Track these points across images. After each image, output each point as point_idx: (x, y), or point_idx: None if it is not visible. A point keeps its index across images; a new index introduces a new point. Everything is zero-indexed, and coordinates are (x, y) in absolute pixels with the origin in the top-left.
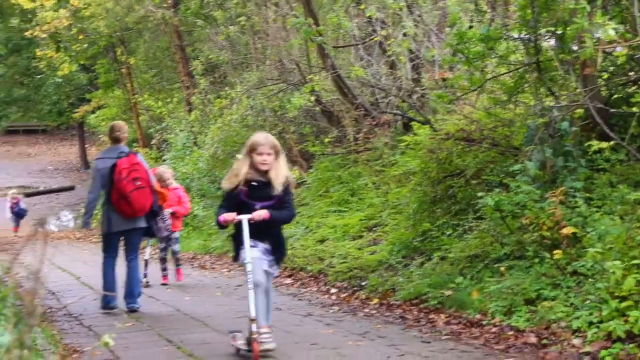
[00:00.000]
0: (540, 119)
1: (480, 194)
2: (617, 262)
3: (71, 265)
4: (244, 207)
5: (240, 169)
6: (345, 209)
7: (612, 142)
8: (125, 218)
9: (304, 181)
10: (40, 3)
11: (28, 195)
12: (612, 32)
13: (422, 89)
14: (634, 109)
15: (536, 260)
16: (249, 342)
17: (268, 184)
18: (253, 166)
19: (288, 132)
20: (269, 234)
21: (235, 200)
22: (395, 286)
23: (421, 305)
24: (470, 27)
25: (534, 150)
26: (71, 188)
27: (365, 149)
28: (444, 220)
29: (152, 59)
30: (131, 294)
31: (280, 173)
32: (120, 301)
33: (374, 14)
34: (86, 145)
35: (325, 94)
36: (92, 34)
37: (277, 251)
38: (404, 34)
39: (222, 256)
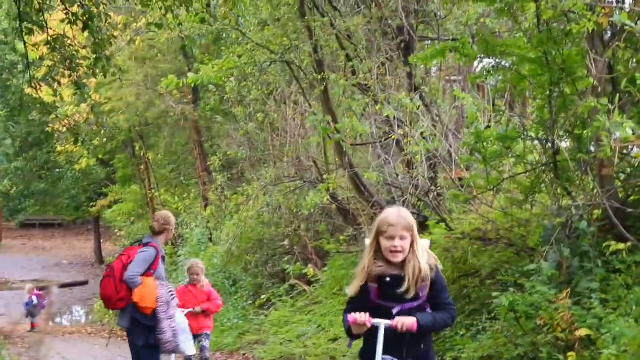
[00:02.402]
0: (557, 219)
1: (494, 294)
2: None
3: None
4: (378, 313)
5: (363, 261)
6: None
7: (629, 244)
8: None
9: (318, 279)
10: (61, 97)
11: (40, 289)
12: (629, 132)
13: (439, 188)
14: None
15: None
16: None
17: (405, 279)
18: (381, 255)
19: (303, 229)
20: (415, 346)
21: (365, 303)
22: None
23: None
24: (488, 126)
25: (550, 250)
26: (85, 283)
27: None
28: (458, 320)
29: (171, 154)
30: None
31: (420, 262)
32: None
33: (392, 114)
34: (101, 240)
35: (341, 191)
36: (112, 129)
37: None
38: (421, 133)
39: (233, 353)
